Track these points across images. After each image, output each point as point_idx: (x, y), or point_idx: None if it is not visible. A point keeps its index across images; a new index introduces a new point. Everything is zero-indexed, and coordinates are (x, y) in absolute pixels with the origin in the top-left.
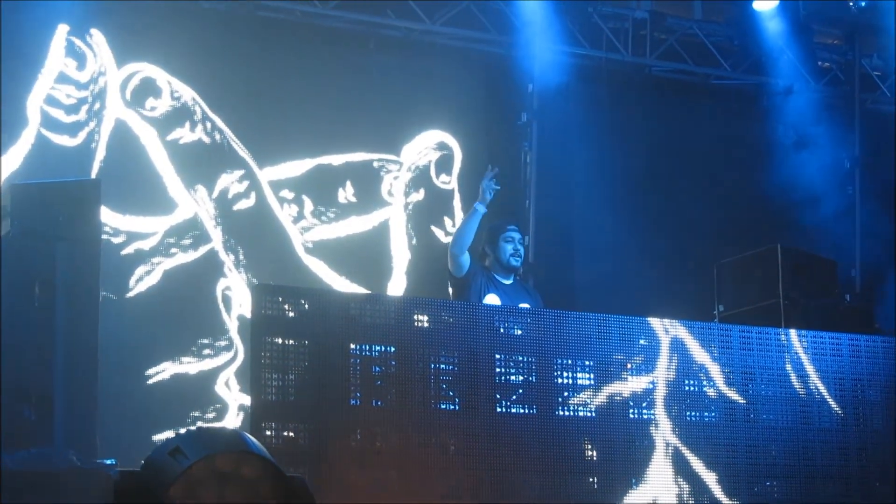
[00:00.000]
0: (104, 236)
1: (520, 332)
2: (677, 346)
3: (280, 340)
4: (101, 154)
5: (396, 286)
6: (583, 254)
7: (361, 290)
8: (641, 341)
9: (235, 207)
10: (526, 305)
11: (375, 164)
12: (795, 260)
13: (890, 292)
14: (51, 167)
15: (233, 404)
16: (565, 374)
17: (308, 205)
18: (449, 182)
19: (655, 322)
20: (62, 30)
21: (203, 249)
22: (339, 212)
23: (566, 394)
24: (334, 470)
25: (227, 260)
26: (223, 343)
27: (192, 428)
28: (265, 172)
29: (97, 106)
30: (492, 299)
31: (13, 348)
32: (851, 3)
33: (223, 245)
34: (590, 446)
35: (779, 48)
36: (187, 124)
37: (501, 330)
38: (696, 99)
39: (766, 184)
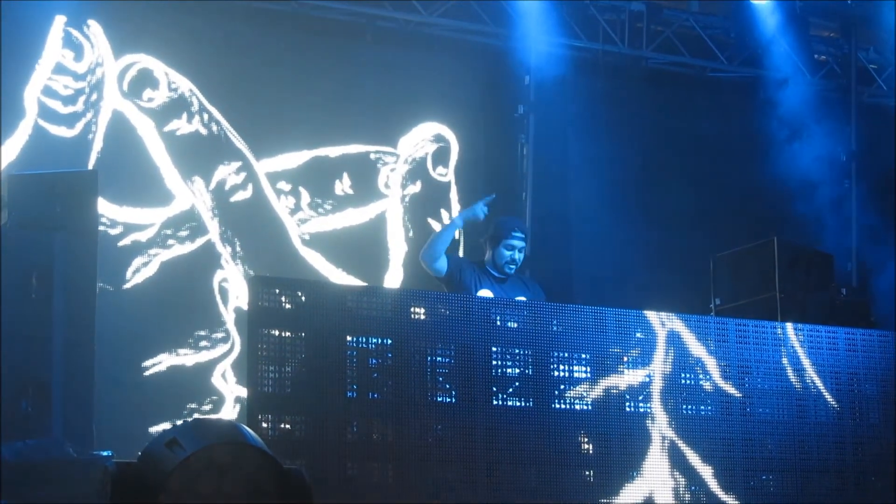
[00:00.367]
0: (101, 227)
1: (516, 324)
2: (674, 340)
3: (277, 332)
4: (98, 145)
5: (393, 278)
6: (579, 246)
7: (358, 283)
8: (638, 334)
9: (232, 199)
10: (522, 299)
11: (372, 157)
12: (792, 253)
13: (886, 286)
14: (48, 158)
15: (229, 396)
16: (562, 367)
17: (305, 197)
18: (446, 174)
19: (652, 315)
20: (59, 21)
21: (200, 241)
22: (336, 204)
23: (562, 387)
24: (330, 462)
25: (224, 252)
26: (220, 335)
27: (189, 419)
28: (262, 164)
29: (94, 97)
30: (485, 294)
31: (10, 339)
32: None
33: (220, 237)
34: (586, 439)
35: (775, 41)
36: (184, 115)
37: (498, 322)
38: (692, 91)
39: (762, 177)
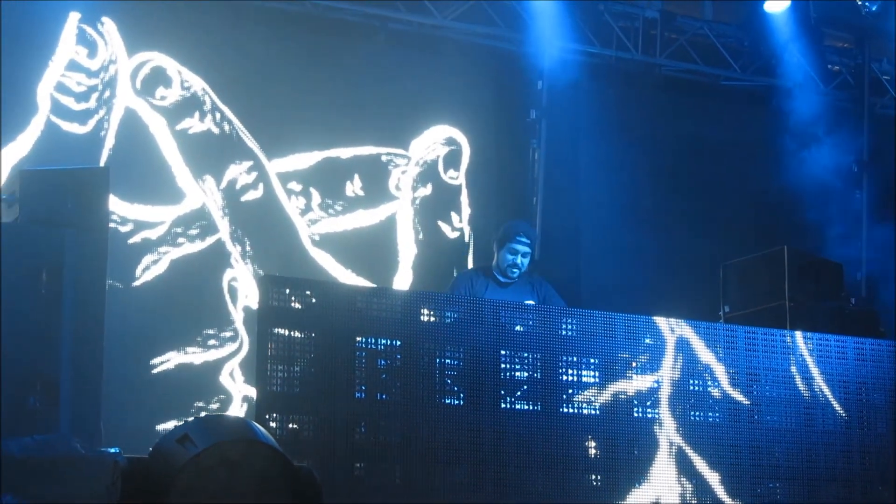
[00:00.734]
0: (111, 225)
1: (525, 328)
2: (683, 346)
3: (286, 332)
4: (110, 142)
5: (402, 280)
6: (589, 252)
7: (367, 284)
8: (647, 340)
9: (243, 198)
10: (531, 303)
11: (384, 158)
12: (802, 262)
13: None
14: (60, 154)
15: (237, 395)
16: (570, 372)
17: (315, 197)
18: (457, 177)
19: (661, 321)
20: (74, 17)
21: (210, 240)
22: (347, 205)
23: (571, 391)
24: (338, 462)
25: (234, 251)
26: (228, 334)
27: (201, 416)
28: (273, 164)
29: (107, 94)
30: None
31: (19, 335)
32: (861, 5)
33: (230, 236)
34: (593, 444)
35: (789, 50)
36: (196, 114)
37: (507, 326)
38: (705, 99)
39: (773, 185)
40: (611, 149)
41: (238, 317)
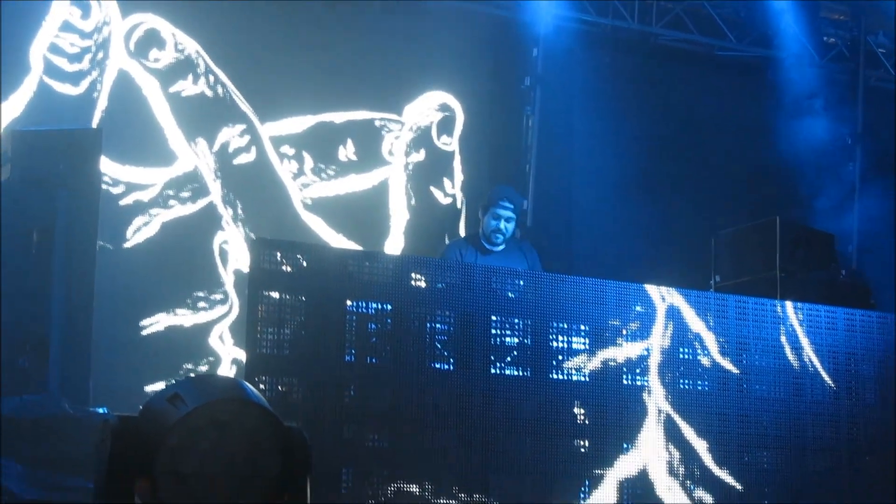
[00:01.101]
0: (103, 186)
1: (516, 294)
2: (673, 314)
3: (277, 295)
4: (102, 104)
5: (394, 245)
6: (582, 219)
7: (359, 249)
8: (638, 308)
9: (235, 161)
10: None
11: (377, 123)
12: (794, 233)
13: (886, 268)
14: (52, 115)
15: (226, 357)
16: (560, 338)
17: (308, 161)
18: (450, 143)
19: (652, 289)
20: None
21: (202, 202)
22: (339, 169)
23: (560, 357)
24: (327, 425)
25: (226, 213)
26: (218, 296)
27: (192, 375)
28: (266, 127)
29: (100, 55)
30: None
31: (10, 295)
32: None
33: (222, 199)
34: (582, 410)
35: (785, 22)
36: (190, 77)
37: (498, 291)
38: (700, 69)
39: (767, 157)
40: (605, 117)
41: (229, 279)
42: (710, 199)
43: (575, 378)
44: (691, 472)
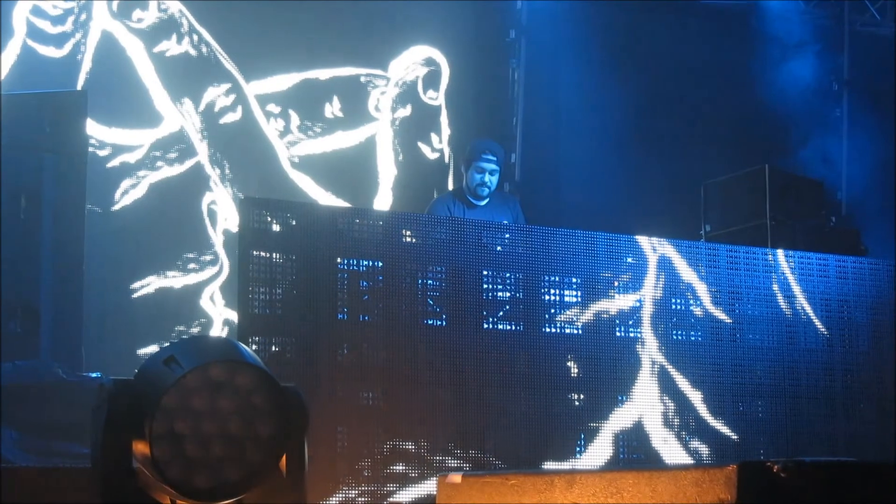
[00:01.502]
0: (90, 149)
1: (507, 248)
2: (665, 265)
3: (267, 254)
4: (87, 66)
5: (382, 202)
6: (569, 172)
7: (347, 206)
8: (629, 259)
9: (222, 121)
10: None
11: (363, 79)
12: (783, 181)
13: (875, 214)
14: (37, 78)
15: (217, 319)
16: (552, 291)
17: (295, 119)
18: (436, 98)
19: (643, 240)
20: None
21: (189, 163)
22: (326, 127)
23: (553, 311)
24: (321, 384)
25: (213, 174)
26: (208, 257)
27: (187, 337)
28: (252, 86)
29: (84, 17)
30: None
31: None
32: None
33: (209, 159)
34: (575, 364)
35: None
36: (174, 36)
37: (489, 245)
38: (685, 18)
39: (754, 105)
40: (590, 68)
41: (218, 240)
42: (698, 149)
43: (568, 331)
44: (686, 423)
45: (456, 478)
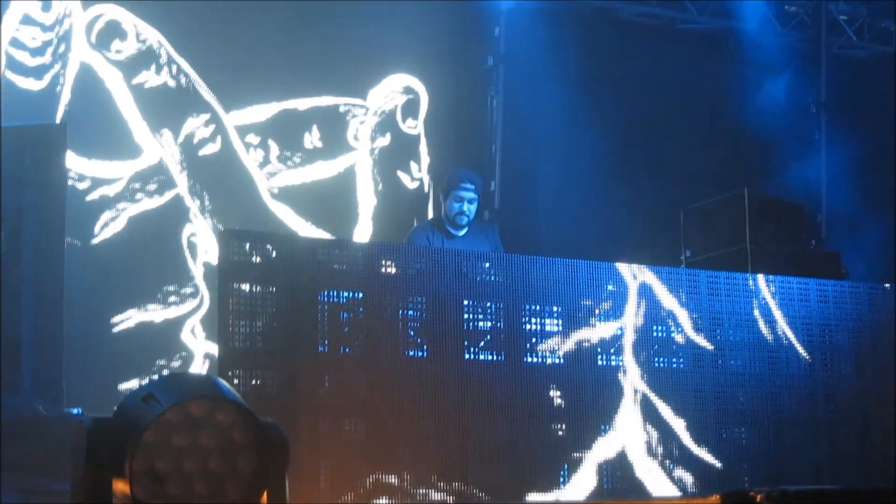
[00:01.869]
0: (69, 181)
1: (488, 277)
2: (645, 292)
3: (247, 287)
4: (66, 98)
5: (362, 232)
6: (549, 199)
7: (328, 236)
8: (609, 287)
9: (201, 152)
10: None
11: (342, 109)
12: (762, 204)
13: (855, 236)
14: (16, 111)
15: (199, 352)
16: (533, 320)
17: (274, 149)
18: (415, 127)
19: (623, 267)
20: None
21: (168, 195)
22: (305, 157)
23: (534, 340)
24: (302, 417)
25: (193, 205)
26: (189, 290)
27: (165, 373)
28: (231, 116)
29: (62, 48)
30: None
31: None
32: None
33: (189, 190)
34: (558, 393)
35: None
36: (153, 67)
37: (469, 275)
38: (663, 43)
39: (732, 129)
40: (569, 94)
41: (198, 272)
42: (677, 173)
43: (549, 361)
44: (670, 452)
45: None
